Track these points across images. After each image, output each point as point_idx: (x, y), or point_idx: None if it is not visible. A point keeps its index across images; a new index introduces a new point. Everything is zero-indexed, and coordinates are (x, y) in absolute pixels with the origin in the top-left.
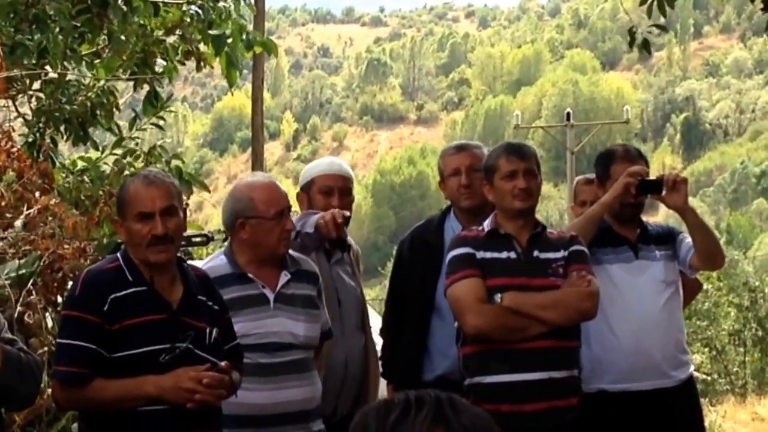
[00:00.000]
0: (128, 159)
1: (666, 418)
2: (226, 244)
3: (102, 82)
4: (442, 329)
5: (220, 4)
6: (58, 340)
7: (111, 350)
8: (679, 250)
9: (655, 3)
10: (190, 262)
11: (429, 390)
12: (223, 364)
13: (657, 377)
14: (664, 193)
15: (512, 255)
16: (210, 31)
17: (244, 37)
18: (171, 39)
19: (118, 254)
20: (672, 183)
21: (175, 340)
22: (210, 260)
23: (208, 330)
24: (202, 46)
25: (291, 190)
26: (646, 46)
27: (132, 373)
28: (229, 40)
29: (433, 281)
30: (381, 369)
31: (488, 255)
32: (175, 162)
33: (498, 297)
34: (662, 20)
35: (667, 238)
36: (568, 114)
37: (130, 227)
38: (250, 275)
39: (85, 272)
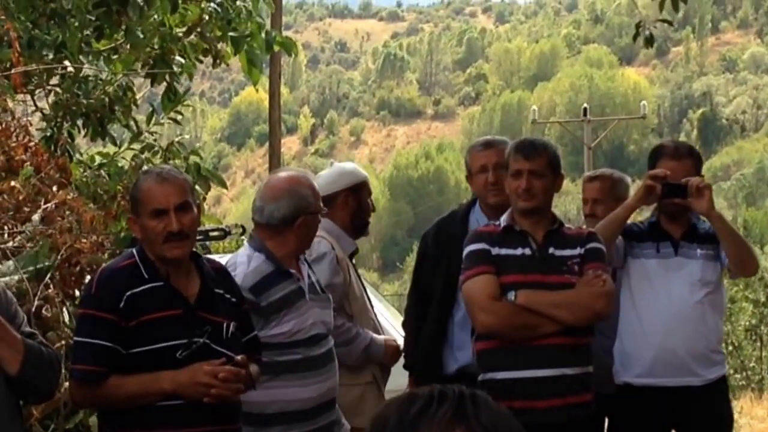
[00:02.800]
0: (146, 154)
1: (690, 416)
2: (246, 239)
3: (119, 77)
4: (464, 322)
5: (238, 2)
6: (75, 339)
7: (128, 346)
8: (721, 252)
9: None
10: (209, 256)
11: (455, 385)
12: (239, 357)
13: (683, 375)
14: (690, 198)
15: (527, 251)
16: (230, 33)
17: (263, 35)
18: (190, 37)
19: (134, 251)
20: (695, 188)
21: (192, 335)
22: (243, 263)
23: (225, 324)
24: (220, 44)
25: None
26: (650, 41)
27: (149, 369)
28: (249, 39)
29: (458, 274)
30: (403, 360)
31: (503, 251)
32: (193, 158)
33: (512, 295)
34: (679, 15)
35: (714, 238)
36: (585, 109)
37: (145, 224)
38: (292, 270)
39: (100, 270)
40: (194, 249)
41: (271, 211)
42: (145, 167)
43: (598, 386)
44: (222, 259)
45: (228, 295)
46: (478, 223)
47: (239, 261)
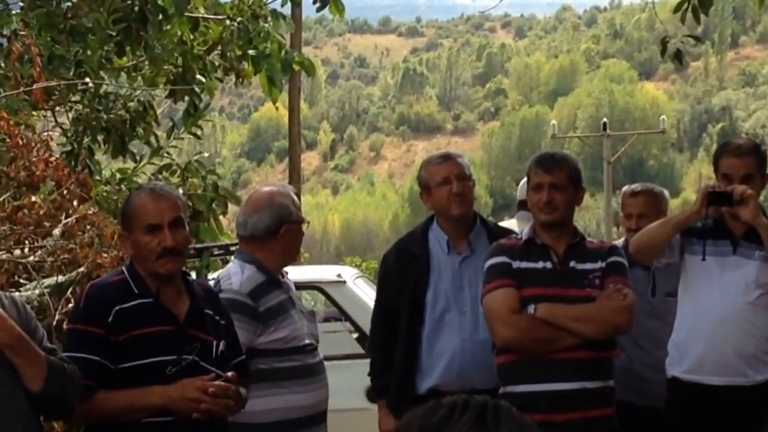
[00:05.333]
0: (165, 174)
1: (734, 416)
2: (235, 255)
3: (138, 92)
4: (428, 343)
5: (259, 21)
6: (64, 354)
7: (117, 361)
8: None
9: (689, 10)
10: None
11: (480, 396)
12: (229, 374)
13: (730, 374)
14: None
15: (548, 265)
16: (250, 51)
17: (282, 55)
18: (211, 56)
19: (123, 268)
20: (740, 197)
21: (181, 352)
22: (236, 272)
23: (215, 343)
24: (241, 63)
25: (329, 200)
26: (678, 57)
27: (138, 384)
28: (268, 59)
29: (422, 293)
30: (371, 384)
31: (524, 265)
32: (211, 177)
33: (531, 308)
34: (699, 28)
35: None
36: (605, 124)
37: (138, 240)
38: (283, 281)
39: (89, 286)
40: (207, 263)
41: (254, 223)
42: None
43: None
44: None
45: (217, 317)
46: (437, 242)
47: (233, 272)
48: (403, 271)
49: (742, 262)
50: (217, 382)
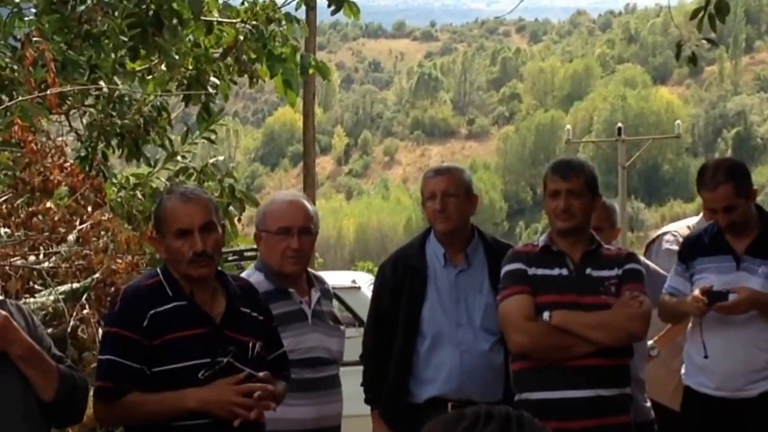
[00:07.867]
0: (181, 177)
1: (745, 426)
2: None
3: (152, 97)
4: (428, 355)
5: (273, 26)
6: (99, 357)
7: (151, 365)
8: None
9: (706, 17)
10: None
11: (502, 406)
12: (261, 374)
13: (738, 389)
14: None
15: (564, 272)
16: (265, 56)
17: (298, 59)
18: (226, 59)
19: (158, 269)
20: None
21: (216, 354)
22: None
23: (251, 344)
24: (255, 65)
25: (343, 205)
26: (693, 60)
27: (171, 387)
28: (284, 63)
29: (419, 304)
30: (364, 394)
31: (540, 271)
32: (228, 180)
33: (546, 315)
34: (712, 34)
35: None
36: (619, 129)
37: (169, 244)
38: (291, 291)
39: (124, 288)
40: (221, 268)
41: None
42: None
43: None
44: None
45: (255, 314)
46: (434, 253)
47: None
48: (399, 283)
49: (746, 278)
50: (260, 385)
